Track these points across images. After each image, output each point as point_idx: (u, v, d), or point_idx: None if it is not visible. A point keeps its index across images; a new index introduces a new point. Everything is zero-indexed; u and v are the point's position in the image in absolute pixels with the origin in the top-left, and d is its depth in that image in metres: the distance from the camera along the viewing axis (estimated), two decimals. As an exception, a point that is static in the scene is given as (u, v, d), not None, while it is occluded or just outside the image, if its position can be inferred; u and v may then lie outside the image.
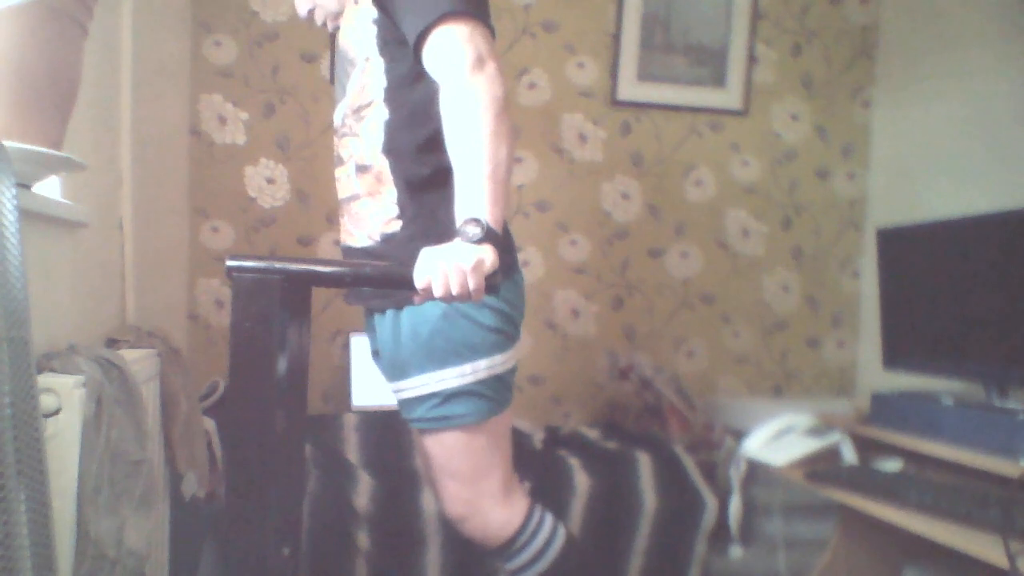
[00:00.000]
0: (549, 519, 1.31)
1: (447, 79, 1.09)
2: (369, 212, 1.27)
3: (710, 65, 2.43)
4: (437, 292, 0.98)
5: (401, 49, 1.18)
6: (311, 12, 1.37)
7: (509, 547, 1.27)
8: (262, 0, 2.19)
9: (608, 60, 2.37)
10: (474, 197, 1.04)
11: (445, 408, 1.21)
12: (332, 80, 1.33)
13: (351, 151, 1.29)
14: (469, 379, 1.19)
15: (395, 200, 1.23)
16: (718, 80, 2.44)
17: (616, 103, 2.38)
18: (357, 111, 1.27)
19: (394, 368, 1.26)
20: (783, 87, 2.49)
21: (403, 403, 1.27)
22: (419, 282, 0.99)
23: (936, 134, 2.26)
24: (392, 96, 1.21)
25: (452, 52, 1.08)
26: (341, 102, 1.32)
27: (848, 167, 2.55)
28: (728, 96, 2.45)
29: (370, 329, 1.38)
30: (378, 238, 1.26)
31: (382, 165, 1.24)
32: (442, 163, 1.14)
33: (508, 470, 1.29)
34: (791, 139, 2.51)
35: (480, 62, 1.08)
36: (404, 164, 1.22)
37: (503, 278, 1.15)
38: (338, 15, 1.35)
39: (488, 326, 1.19)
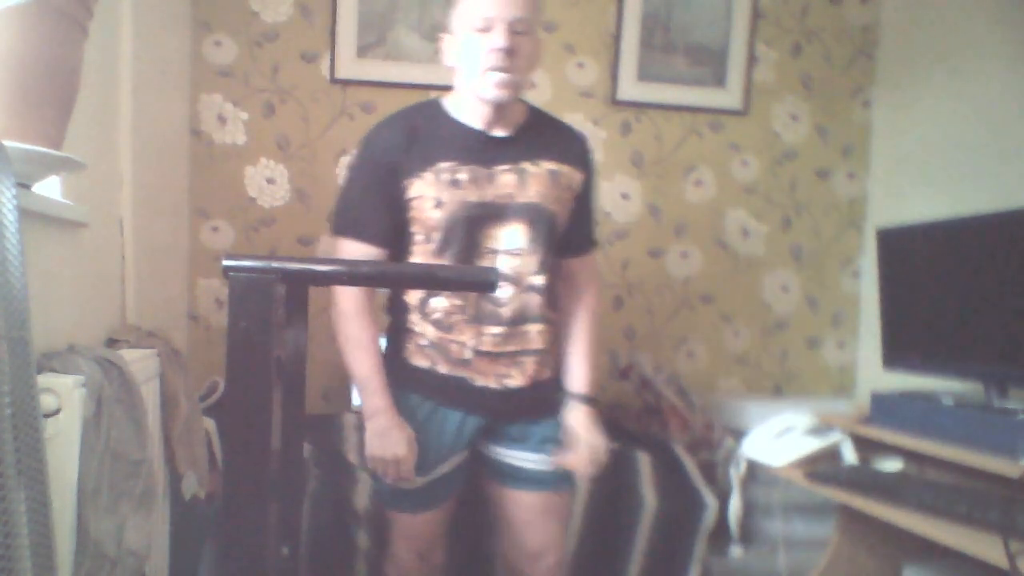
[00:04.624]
0: None
1: (593, 288, 1.54)
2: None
3: (710, 65, 2.43)
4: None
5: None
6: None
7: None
8: (262, 0, 2.19)
9: (608, 60, 2.37)
10: (591, 378, 1.49)
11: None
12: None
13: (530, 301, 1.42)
14: None
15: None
16: (718, 80, 2.44)
17: (616, 103, 2.38)
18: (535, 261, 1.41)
19: (550, 443, 1.48)
20: (783, 87, 2.49)
21: (550, 473, 1.47)
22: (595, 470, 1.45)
23: (936, 134, 2.26)
24: (549, 262, 1.43)
25: (596, 270, 1.61)
26: (518, 234, 1.38)
27: (848, 167, 2.55)
28: (728, 96, 2.45)
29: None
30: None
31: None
32: None
33: None
34: (791, 139, 2.51)
35: None
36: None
37: None
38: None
39: None
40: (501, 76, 1.29)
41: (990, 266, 1.70)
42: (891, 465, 1.82)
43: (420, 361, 1.41)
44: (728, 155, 2.48)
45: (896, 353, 1.98)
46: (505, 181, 1.36)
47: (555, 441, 1.46)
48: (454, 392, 1.40)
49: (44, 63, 0.97)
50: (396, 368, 1.41)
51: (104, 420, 1.01)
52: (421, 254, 1.38)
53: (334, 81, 2.22)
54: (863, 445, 1.87)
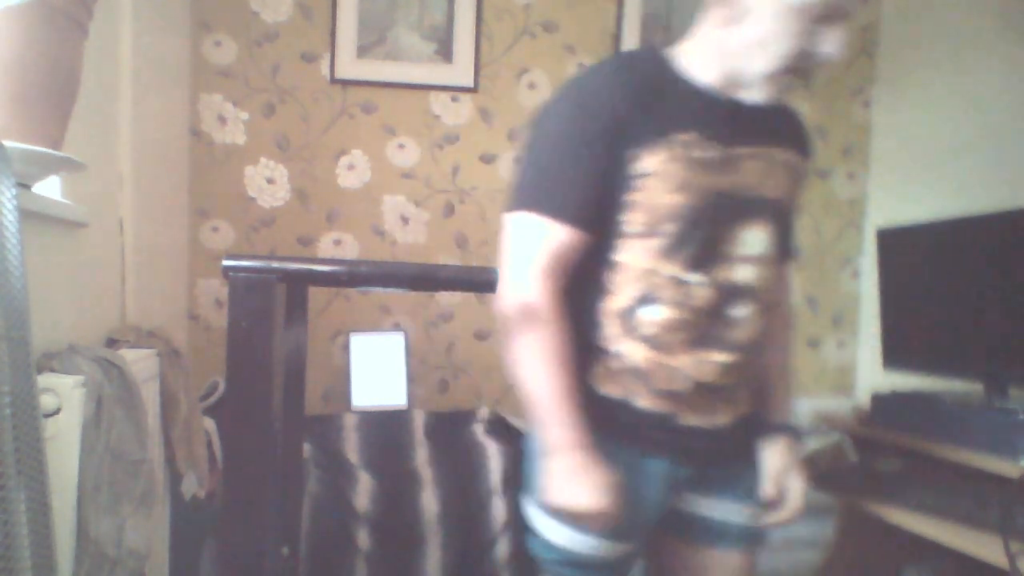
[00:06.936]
0: None
1: (789, 300, 1.31)
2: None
3: (710, 65, 2.43)
4: None
5: None
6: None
7: None
8: (262, 0, 2.19)
9: (608, 60, 2.37)
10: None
11: None
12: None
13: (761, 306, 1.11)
14: None
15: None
16: (718, 80, 2.43)
17: (616, 103, 2.38)
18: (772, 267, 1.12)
19: (755, 490, 1.21)
20: (783, 87, 2.49)
21: (758, 528, 1.20)
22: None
23: (936, 134, 2.26)
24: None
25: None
26: (759, 236, 1.07)
27: (848, 167, 2.55)
28: (728, 96, 2.44)
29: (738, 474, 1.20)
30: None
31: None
32: None
33: None
34: (791, 139, 2.51)
35: None
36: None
37: None
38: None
39: None
40: (800, 82, 1.02)
41: (990, 266, 1.70)
42: (891, 465, 1.82)
43: (611, 390, 1.05)
44: (728, 155, 2.47)
45: (896, 353, 1.98)
46: (750, 168, 1.04)
47: (756, 488, 1.18)
48: (658, 433, 1.05)
49: (44, 63, 0.97)
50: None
51: (104, 420, 1.01)
52: (638, 251, 1.02)
53: (334, 81, 2.22)
54: (863, 445, 1.87)
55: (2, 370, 0.70)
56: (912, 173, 2.36)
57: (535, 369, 1.00)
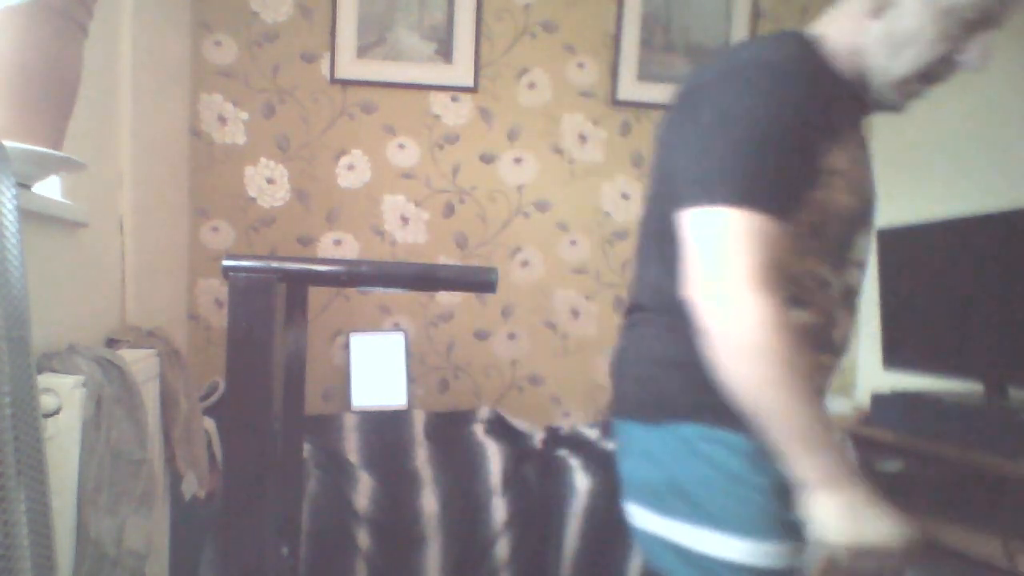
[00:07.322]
0: None
1: None
2: None
3: (710, 65, 2.43)
4: None
5: None
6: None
7: None
8: (262, 0, 2.19)
9: (608, 60, 2.37)
10: None
11: None
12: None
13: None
14: None
15: None
16: (718, 80, 2.43)
17: (616, 103, 2.38)
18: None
19: None
20: (783, 87, 2.49)
21: None
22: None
23: (936, 134, 2.26)
24: None
25: None
26: (867, 241, 1.03)
27: (848, 167, 2.54)
28: (728, 96, 2.44)
29: None
30: None
31: None
32: None
33: None
34: (791, 139, 2.51)
35: None
36: None
37: None
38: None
39: None
40: (927, 90, 0.95)
41: (990, 266, 1.70)
42: (891, 465, 1.82)
43: None
44: (728, 155, 2.47)
45: (896, 353, 1.98)
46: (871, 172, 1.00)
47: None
48: None
49: (44, 63, 0.97)
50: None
51: (104, 420, 1.01)
52: (798, 251, 0.93)
53: (334, 81, 2.22)
54: (863, 445, 1.87)
55: (2, 370, 0.70)
56: (912, 173, 2.36)
57: (780, 391, 0.85)
